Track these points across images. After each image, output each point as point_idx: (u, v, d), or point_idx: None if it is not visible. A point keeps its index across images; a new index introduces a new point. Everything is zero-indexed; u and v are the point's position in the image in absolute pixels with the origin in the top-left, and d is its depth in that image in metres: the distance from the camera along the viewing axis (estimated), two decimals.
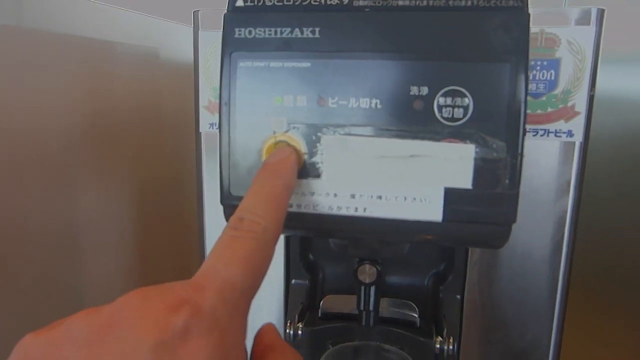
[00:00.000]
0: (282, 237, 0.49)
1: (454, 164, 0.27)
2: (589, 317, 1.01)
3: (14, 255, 0.48)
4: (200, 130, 0.49)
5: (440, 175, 0.28)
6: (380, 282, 0.38)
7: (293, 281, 0.49)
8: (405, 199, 0.28)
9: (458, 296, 0.46)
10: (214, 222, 0.50)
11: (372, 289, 0.38)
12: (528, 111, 0.44)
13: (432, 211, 0.28)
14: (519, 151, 0.27)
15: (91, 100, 0.58)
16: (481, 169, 0.27)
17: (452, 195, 0.28)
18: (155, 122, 0.69)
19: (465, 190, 0.27)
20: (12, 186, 0.48)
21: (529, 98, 0.43)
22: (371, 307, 0.39)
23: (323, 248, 0.48)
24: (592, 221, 0.94)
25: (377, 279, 0.37)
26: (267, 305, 0.49)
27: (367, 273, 0.36)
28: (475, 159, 0.27)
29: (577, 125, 0.43)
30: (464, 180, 0.27)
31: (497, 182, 0.27)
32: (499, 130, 0.27)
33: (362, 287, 0.38)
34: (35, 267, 0.51)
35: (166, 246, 0.72)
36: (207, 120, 0.49)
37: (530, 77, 0.42)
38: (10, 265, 0.48)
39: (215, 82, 0.48)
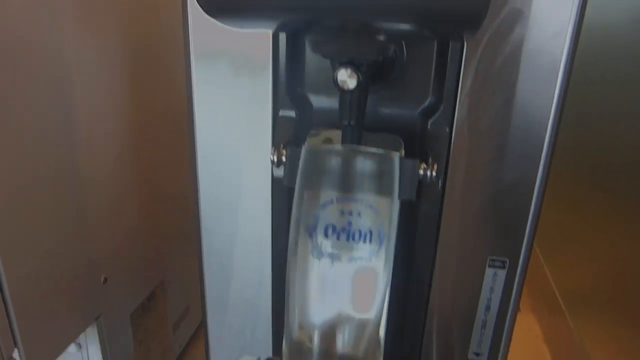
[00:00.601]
0: (269, 66, 0.48)
1: None
2: (577, 155, 1.00)
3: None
4: None
5: None
6: (363, 92, 0.38)
7: (280, 112, 0.48)
8: None
9: (447, 129, 0.46)
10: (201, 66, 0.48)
11: (354, 98, 0.37)
12: None
13: None
14: None
15: None
16: None
17: None
18: None
19: None
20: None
21: None
22: (353, 120, 0.38)
23: (310, 78, 0.47)
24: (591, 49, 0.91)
25: (359, 85, 0.36)
26: (255, 139, 0.49)
27: (348, 77, 0.35)
28: None
29: None
30: None
31: None
32: None
33: (344, 96, 0.37)
34: (27, 108, 0.51)
35: (157, 90, 0.71)
36: None
37: None
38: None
39: None
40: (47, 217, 0.54)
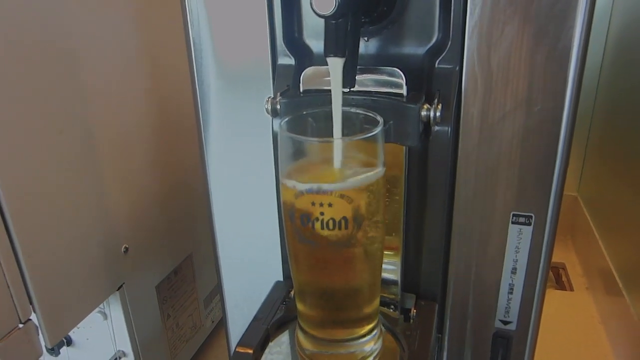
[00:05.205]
0: (264, 13, 0.45)
1: None
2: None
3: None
4: None
5: None
6: (352, 23, 0.34)
7: (279, 61, 0.46)
8: None
9: (457, 68, 0.41)
10: None
11: (339, 26, 0.34)
12: None
13: None
14: None
15: None
16: None
17: None
18: None
19: None
20: None
21: None
22: (339, 53, 0.35)
23: (307, 23, 0.44)
24: None
25: (340, 11, 0.32)
26: (256, 85, 0.47)
27: None
28: None
29: None
30: None
31: None
32: None
33: (326, 24, 0.34)
34: None
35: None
36: None
37: None
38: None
39: None
40: (63, 185, 0.54)
